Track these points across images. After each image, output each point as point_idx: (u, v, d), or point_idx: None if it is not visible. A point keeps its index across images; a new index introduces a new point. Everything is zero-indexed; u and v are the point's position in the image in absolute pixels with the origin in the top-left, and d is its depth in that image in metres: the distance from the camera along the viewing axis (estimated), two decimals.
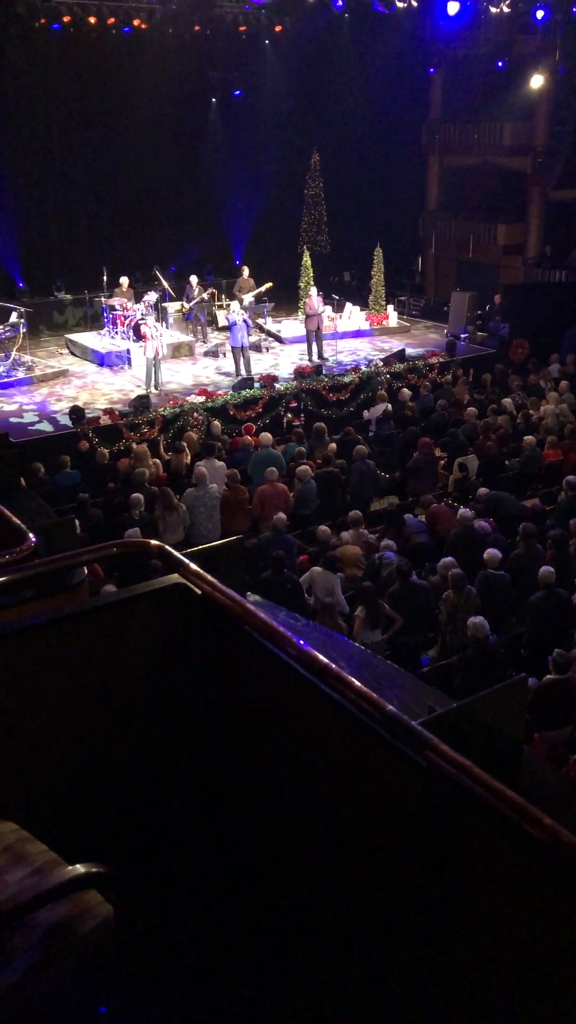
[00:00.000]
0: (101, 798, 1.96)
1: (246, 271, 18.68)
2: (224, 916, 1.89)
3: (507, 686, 1.47)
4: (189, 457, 12.13)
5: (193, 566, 2.01)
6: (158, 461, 11.93)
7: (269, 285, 18.09)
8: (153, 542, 2.12)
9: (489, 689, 1.45)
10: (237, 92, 22.79)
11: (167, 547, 2.07)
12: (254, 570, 8.67)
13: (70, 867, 1.34)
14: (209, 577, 1.97)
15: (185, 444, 12.66)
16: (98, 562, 2.61)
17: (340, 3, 15.07)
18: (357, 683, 1.52)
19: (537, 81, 20.78)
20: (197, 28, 19.62)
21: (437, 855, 1.46)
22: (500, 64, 21.35)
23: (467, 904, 1.44)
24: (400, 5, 15.62)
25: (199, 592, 1.98)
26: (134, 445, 12.77)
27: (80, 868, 1.34)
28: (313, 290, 17.76)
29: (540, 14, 17.99)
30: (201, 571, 1.99)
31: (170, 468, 11.94)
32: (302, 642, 1.70)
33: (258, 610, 1.85)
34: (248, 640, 1.86)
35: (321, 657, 1.62)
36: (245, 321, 16.01)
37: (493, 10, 16.99)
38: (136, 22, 18.80)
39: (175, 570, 2.04)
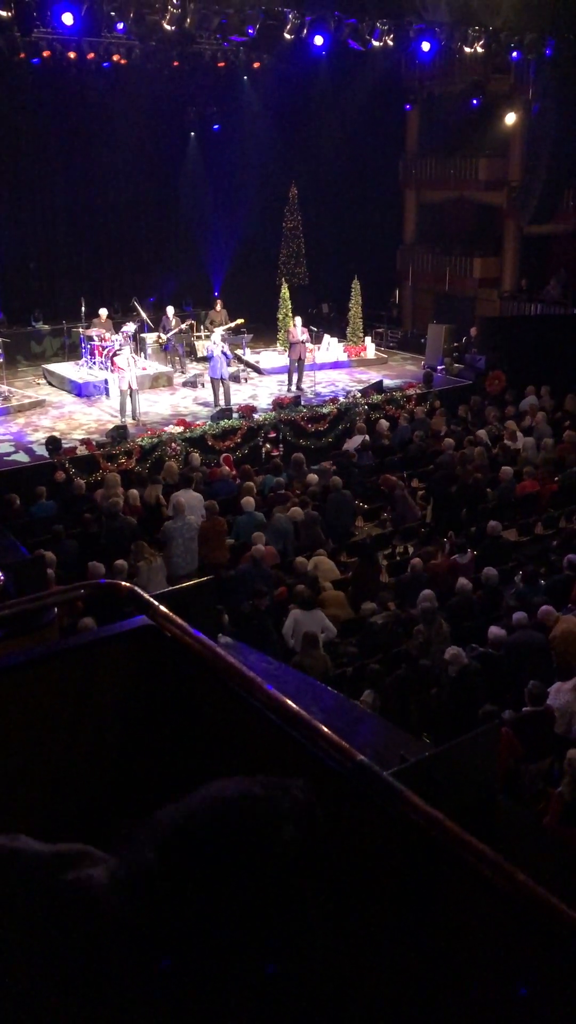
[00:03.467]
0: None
1: (219, 304, 18.80)
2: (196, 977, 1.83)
3: (480, 733, 1.44)
4: (160, 488, 12.04)
5: (162, 608, 1.98)
6: (135, 492, 11.84)
7: (240, 321, 18.22)
8: (123, 583, 2.09)
9: (461, 737, 1.43)
10: (216, 126, 23.05)
11: (136, 588, 2.04)
12: (231, 599, 8.62)
13: None
14: (178, 620, 1.94)
15: (162, 477, 12.63)
16: (67, 602, 2.57)
17: (320, 44, 15.29)
18: (327, 731, 1.49)
19: (511, 118, 21.20)
20: (176, 64, 19.85)
21: (410, 909, 1.43)
22: (475, 102, 21.75)
23: (442, 960, 1.41)
24: (376, 44, 15.88)
25: (168, 635, 1.94)
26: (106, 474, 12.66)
27: None
28: (298, 319, 17.87)
29: (515, 54, 18.35)
30: (170, 613, 1.95)
31: (143, 499, 11.85)
32: (271, 688, 1.67)
33: (228, 654, 1.81)
34: (218, 685, 1.82)
35: (291, 704, 1.59)
36: (224, 352, 16.06)
37: (467, 50, 17.30)
38: (115, 57, 18.99)
39: (143, 612, 2.00)
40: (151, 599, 2.00)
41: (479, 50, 17.13)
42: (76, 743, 1.97)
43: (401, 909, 1.42)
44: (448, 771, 1.43)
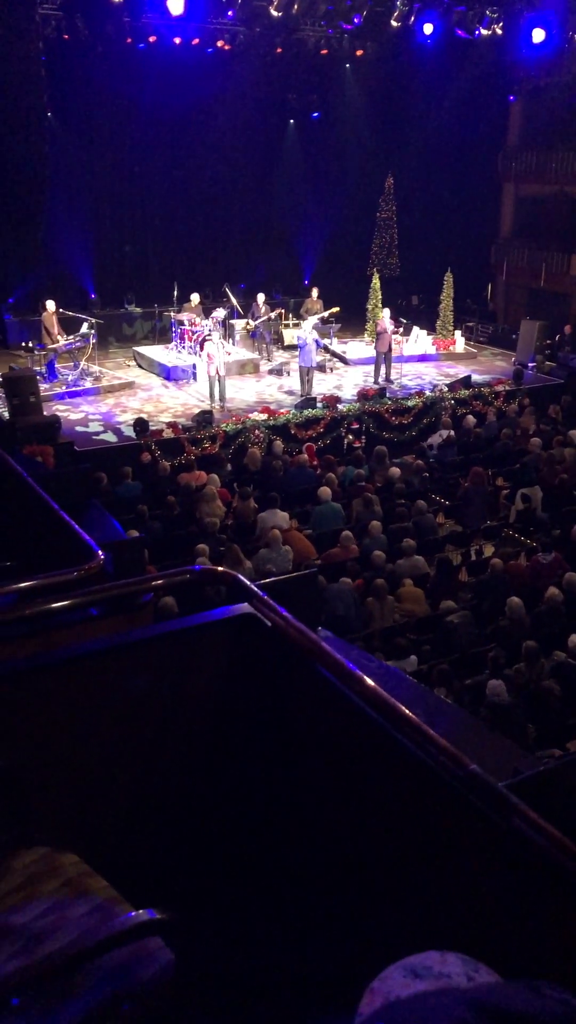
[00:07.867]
0: (161, 832, 1.91)
1: (315, 292, 18.73)
2: (285, 964, 1.82)
3: None
4: (254, 504, 11.49)
5: (265, 597, 1.96)
6: (216, 476, 11.85)
7: (336, 310, 18.12)
8: (226, 570, 2.08)
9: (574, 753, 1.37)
10: (315, 114, 22.96)
11: (240, 576, 2.03)
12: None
13: (135, 912, 1.30)
14: (280, 609, 1.92)
15: (245, 462, 12.66)
16: (169, 587, 2.57)
17: (428, 33, 15.03)
18: (438, 737, 1.45)
19: None
20: (279, 51, 19.81)
21: (518, 922, 1.38)
22: None
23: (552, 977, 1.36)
24: (484, 32, 15.56)
25: (269, 624, 1.93)
26: (205, 486, 11.57)
27: (144, 915, 1.29)
28: (386, 311, 17.73)
29: None
30: (272, 603, 1.94)
31: (235, 513, 11.42)
32: (376, 685, 1.64)
33: (329, 647, 1.79)
34: (318, 677, 1.80)
35: (399, 704, 1.55)
36: (316, 341, 16.00)
37: None
38: (219, 43, 19.04)
39: (246, 600, 1.99)
40: (254, 587, 1.99)
41: None
42: (173, 726, 1.97)
43: (511, 921, 1.37)
44: (563, 786, 1.37)
